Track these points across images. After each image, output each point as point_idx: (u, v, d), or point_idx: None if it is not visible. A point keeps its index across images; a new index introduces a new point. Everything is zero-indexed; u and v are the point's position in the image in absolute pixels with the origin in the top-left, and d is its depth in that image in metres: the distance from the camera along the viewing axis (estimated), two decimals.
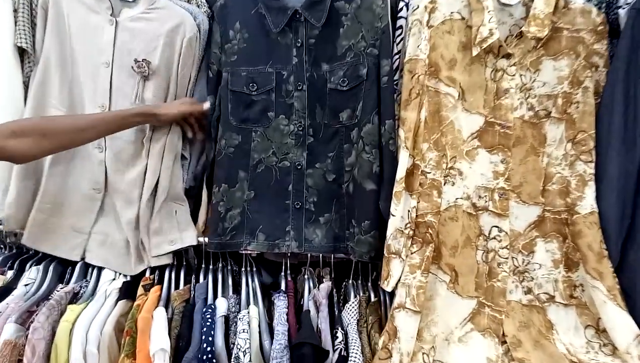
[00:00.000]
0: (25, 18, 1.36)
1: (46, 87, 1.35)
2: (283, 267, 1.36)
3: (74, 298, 1.31)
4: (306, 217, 1.29)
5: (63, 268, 1.40)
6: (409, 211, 1.18)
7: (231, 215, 1.30)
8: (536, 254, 1.23)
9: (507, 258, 1.22)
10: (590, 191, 1.19)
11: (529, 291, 1.22)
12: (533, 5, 1.19)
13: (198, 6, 1.38)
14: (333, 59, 1.27)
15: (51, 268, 1.38)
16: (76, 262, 1.38)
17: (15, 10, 1.37)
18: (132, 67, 1.31)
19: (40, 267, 1.38)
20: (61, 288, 1.32)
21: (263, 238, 1.30)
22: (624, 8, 1.19)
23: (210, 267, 1.37)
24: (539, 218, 1.23)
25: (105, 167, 1.34)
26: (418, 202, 1.18)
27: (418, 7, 1.21)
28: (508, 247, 1.22)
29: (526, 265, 1.23)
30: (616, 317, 1.10)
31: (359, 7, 1.24)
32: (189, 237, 1.32)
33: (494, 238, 1.23)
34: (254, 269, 1.38)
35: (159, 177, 1.30)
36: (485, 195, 1.23)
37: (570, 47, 1.21)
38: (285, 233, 1.29)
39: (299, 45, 1.28)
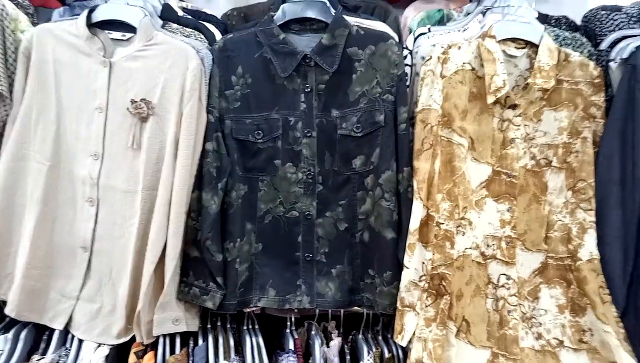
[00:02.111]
0: (0, 58, 1.20)
1: (26, 139, 1.20)
2: (288, 323, 1.28)
3: None
4: (317, 269, 1.23)
5: (37, 333, 1.22)
6: (423, 263, 1.16)
7: (239, 271, 1.21)
8: (541, 300, 1.25)
9: (516, 305, 1.23)
10: (590, 238, 1.24)
11: (539, 336, 1.24)
12: (537, 57, 1.25)
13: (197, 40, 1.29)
14: (344, 104, 1.24)
15: (22, 335, 1.20)
16: (52, 328, 1.22)
17: None
18: (128, 109, 1.19)
19: (9, 335, 1.19)
20: (37, 360, 1.15)
21: (274, 293, 1.22)
22: (615, 62, 1.28)
23: (209, 326, 1.26)
24: (542, 264, 1.27)
25: (96, 222, 1.21)
26: (433, 254, 1.17)
27: (431, 58, 1.23)
28: (516, 294, 1.24)
29: (532, 311, 1.25)
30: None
31: (373, 54, 1.23)
32: (193, 319, 1.21)
33: (503, 286, 1.24)
34: (256, 327, 1.28)
35: (166, 237, 1.17)
36: (493, 244, 1.25)
37: (569, 99, 1.27)
38: (296, 287, 1.22)
39: (307, 90, 1.24)
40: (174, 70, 1.20)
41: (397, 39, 1.30)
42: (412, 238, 1.15)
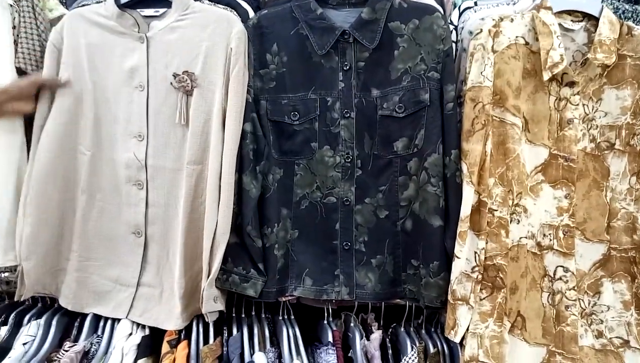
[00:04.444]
0: (29, 37, 1.18)
1: (69, 131, 1.18)
2: (326, 314, 1.21)
3: (84, 358, 1.12)
4: (356, 259, 1.16)
5: (69, 320, 1.20)
6: (476, 253, 1.08)
7: (278, 257, 1.15)
8: (603, 295, 1.15)
9: (574, 300, 1.13)
10: None
11: (600, 335, 1.14)
12: (597, 31, 1.13)
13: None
14: (385, 83, 1.16)
15: (54, 321, 1.19)
16: (84, 314, 1.19)
17: (14, 27, 1.19)
18: (172, 83, 1.14)
19: (41, 320, 1.18)
20: (69, 346, 1.12)
21: (310, 283, 1.16)
22: None
23: (242, 316, 1.21)
24: (604, 256, 1.16)
25: (147, 206, 1.17)
26: (487, 243, 1.07)
27: (481, 31, 1.13)
28: (575, 288, 1.13)
29: (593, 307, 1.15)
30: None
31: (417, 28, 1.14)
32: (223, 298, 1.16)
33: (560, 279, 1.14)
34: (292, 317, 1.23)
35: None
36: (550, 233, 1.15)
37: (633, 75, 1.15)
38: (334, 277, 1.15)
39: (346, 68, 1.17)
40: (216, 37, 1.13)
41: (442, 11, 1.20)
42: (463, 226, 1.06)
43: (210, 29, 1.14)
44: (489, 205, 1.09)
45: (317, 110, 1.17)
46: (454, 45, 1.24)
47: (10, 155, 1.18)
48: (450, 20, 1.28)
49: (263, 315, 1.23)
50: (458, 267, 1.07)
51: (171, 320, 1.15)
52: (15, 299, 1.18)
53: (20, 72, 1.19)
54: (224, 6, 1.22)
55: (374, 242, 1.16)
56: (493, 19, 1.15)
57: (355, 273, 1.15)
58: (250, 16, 1.25)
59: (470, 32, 1.21)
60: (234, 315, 1.22)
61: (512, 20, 1.15)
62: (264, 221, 1.15)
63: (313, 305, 1.23)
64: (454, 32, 1.26)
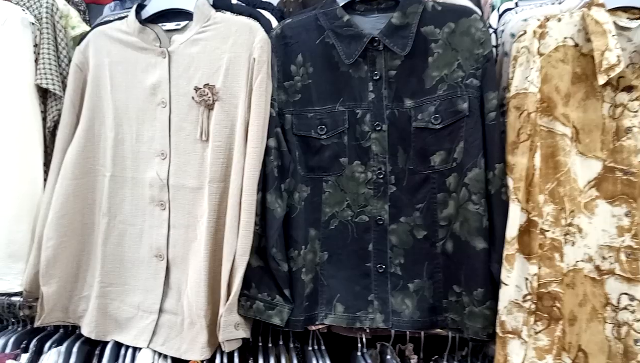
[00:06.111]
0: (51, 55, 1.16)
1: (90, 153, 1.16)
2: (359, 345, 1.12)
3: None
4: (392, 283, 1.06)
5: (89, 348, 1.15)
6: (527, 279, 0.96)
7: (305, 282, 1.07)
8: None
9: None
10: None
11: None
12: None
13: None
14: (419, 93, 1.07)
15: (74, 349, 1.13)
16: (105, 341, 1.14)
17: (36, 45, 1.17)
18: (193, 98, 1.09)
19: (62, 348, 1.13)
20: None
21: (342, 309, 1.07)
22: None
23: (270, 345, 1.13)
24: None
25: (169, 227, 1.12)
26: (539, 268, 0.96)
27: (525, 32, 1.03)
28: None
29: None
30: None
31: (453, 32, 1.05)
32: (248, 325, 1.08)
33: (625, 308, 1.01)
34: (322, 347, 1.14)
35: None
36: (611, 256, 1.02)
37: None
38: (367, 303, 1.06)
39: (376, 78, 1.09)
40: (238, 47, 1.08)
41: (480, 13, 1.11)
42: (510, 248, 0.95)
43: (232, 40, 1.09)
44: (539, 225, 0.98)
45: (345, 123, 1.09)
46: (494, 49, 1.15)
47: (31, 177, 1.17)
48: (489, 23, 1.19)
49: (291, 345, 1.15)
50: (506, 295, 0.96)
51: (195, 350, 1.08)
52: (35, 325, 1.14)
53: (41, 89, 1.17)
54: (246, 18, 1.17)
55: (411, 265, 1.06)
56: (538, 19, 1.05)
57: (390, 299, 1.06)
58: (274, 26, 1.19)
59: (512, 35, 1.11)
60: (260, 343, 1.14)
61: (559, 19, 1.05)
62: (290, 243, 1.08)
63: (345, 334, 1.14)
64: (493, 35, 1.16)
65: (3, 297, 1.17)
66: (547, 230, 0.99)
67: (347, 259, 1.08)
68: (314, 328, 1.09)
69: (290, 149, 1.09)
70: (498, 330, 0.96)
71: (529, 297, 0.96)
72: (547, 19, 1.04)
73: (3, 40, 1.14)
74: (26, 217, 1.16)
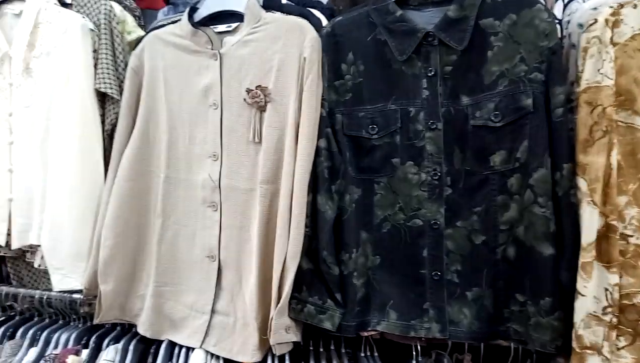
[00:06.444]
0: (109, 60, 1.20)
1: (146, 155, 1.19)
2: (414, 353, 1.07)
3: None
4: (448, 291, 1.01)
5: (145, 347, 1.18)
6: (607, 290, 0.88)
7: (357, 286, 1.04)
8: None
9: None
10: None
11: None
12: None
13: None
14: (478, 89, 1.01)
15: (131, 347, 1.16)
16: (159, 340, 1.16)
17: (95, 51, 1.21)
18: (245, 100, 1.09)
19: (119, 345, 1.16)
20: None
21: (395, 317, 1.03)
22: None
23: (321, 350, 1.11)
24: None
25: (220, 228, 1.13)
26: (621, 277, 0.88)
27: (596, 21, 0.95)
28: None
29: None
30: None
31: (514, 24, 0.99)
32: (299, 328, 1.06)
33: None
34: (375, 354, 1.10)
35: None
36: None
37: None
38: (422, 312, 1.02)
39: (430, 74, 1.04)
40: (289, 47, 1.07)
41: (544, 3, 1.03)
42: (586, 255, 0.88)
43: (283, 40, 1.08)
44: (620, 230, 0.90)
45: (398, 122, 1.05)
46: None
47: (93, 179, 1.21)
48: (553, 14, 1.11)
49: (343, 350, 1.12)
50: (584, 307, 0.89)
51: (246, 352, 1.07)
52: (94, 322, 1.18)
53: (100, 93, 1.21)
54: (296, 17, 1.15)
55: (468, 271, 1.01)
56: (610, 7, 0.96)
57: (447, 308, 1.00)
58: (324, 25, 1.17)
59: (581, 25, 1.03)
60: (311, 348, 1.12)
61: (635, 6, 0.96)
62: (342, 246, 1.05)
63: (399, 341, 1.09)
64: (558, 27, 1.08)
65: (65, 294, 1.22)
66: (631, 236, 0.90)
67: (401, 264, 1.04)
68: (366, 334, 1.06)
69: (340, 150, 1.06)
70: (574, 345, 0.89)
71: (609, 310, 0.88)
72: (621, 6, 0.96)
73: (66, 47, 1.18)
74: (89, 218, 1.20)
